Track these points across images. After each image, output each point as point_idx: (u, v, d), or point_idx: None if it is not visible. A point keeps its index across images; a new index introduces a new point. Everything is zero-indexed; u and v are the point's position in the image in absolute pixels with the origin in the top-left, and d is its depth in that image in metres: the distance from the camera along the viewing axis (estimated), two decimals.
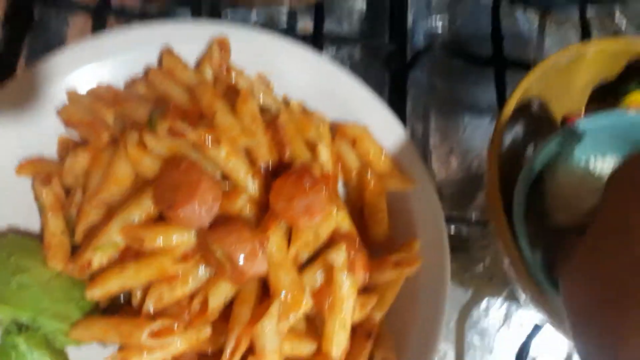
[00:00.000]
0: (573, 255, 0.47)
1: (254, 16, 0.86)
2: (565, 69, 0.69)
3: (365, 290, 0.60)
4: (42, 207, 0.59)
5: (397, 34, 0.85)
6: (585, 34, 0.92)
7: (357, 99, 0.68)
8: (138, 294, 0.55)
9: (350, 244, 0.58)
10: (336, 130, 0.67)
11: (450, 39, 0.91)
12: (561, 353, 0.78)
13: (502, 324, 0.78)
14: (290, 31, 0.84)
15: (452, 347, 0.75)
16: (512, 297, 0.79)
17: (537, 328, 0.73)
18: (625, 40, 0.72)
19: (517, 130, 0.72)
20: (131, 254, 0.55)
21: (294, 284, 0.55)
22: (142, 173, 0.57)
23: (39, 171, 0.60)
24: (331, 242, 0.59)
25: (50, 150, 0.63)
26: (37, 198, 0.60)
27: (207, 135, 0.55)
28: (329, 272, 0.56)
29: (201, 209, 0.52)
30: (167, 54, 0.64)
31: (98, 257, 0.54)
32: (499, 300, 0.79)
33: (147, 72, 0.65)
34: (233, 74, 0.65)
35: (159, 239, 0.54)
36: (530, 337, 0.73)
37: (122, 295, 0.58)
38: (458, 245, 0.76)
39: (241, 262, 0.51)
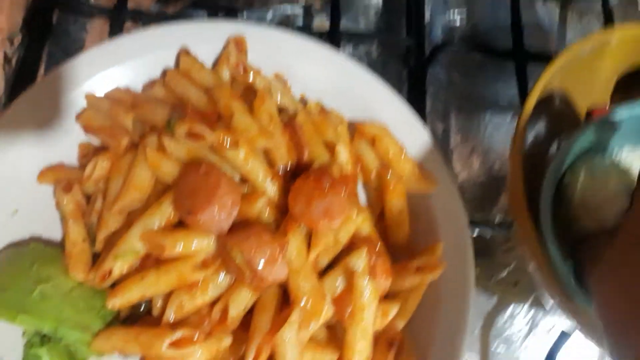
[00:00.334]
0: (603, 260, 0.45)
1: (269, 15, 0.85)
2: (588, 58, 0.66)
3: (386, 297, 0.59)
4: (63, 215, 0.59)
5: (415, 29, 0.83)
6: (609, 23, 0.89)
7: (376, 96, 0.67)
8: (159, 303, 0.55)
9: (371, 249, 0.57)
10: (355, 129, 0.66)
11: (469, 33, 0.89)
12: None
13: (528, 332, 0.75)
14: (306, 29, 0.83)
15: (477, 357, 0.73)
16: (538, 304, 0.77)
17: (564, 335, 0.71)
18: None
19: (540, 127, 0.69)
20: (151, 262, 0.55)
21: (314, 290, 0.54)
22: (162, 178, 0.56)
23: (60, 178, 0.60)
24: (351, 246, 0.58)
25: (71, 156, 0.63)
26: (58, 206, 0.60)
27: (225, 137, 0.54)
28: (350, 278, 0.55)
29: (220, 213, 0.52)
30: (184, 55, 0.64)
31: (118, 266, 0.54)
32: (525, 307, 0.76)
33: (164, 74, 0.64)
34: (250, 74, 0.64)
35: (179, 245, 0.53)
36: (557, 345, 0.70)
37: (142, 305, 0.58)
38: (481, 250, 0.74)
39: (261, 267, 0.50)
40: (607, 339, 0.41)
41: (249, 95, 0.62)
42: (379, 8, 0.88)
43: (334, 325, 0.57)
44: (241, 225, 0.54)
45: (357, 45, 0.84)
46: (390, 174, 0.64)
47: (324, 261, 0.57)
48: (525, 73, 0.81)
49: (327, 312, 0.53)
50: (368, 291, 0.53)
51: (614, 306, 0.41)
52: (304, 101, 0.68)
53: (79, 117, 0.62)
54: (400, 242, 0.63)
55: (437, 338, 0.59)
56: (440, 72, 0.85)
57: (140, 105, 0.61)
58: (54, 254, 0.58)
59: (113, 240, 0.56)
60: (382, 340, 0.57)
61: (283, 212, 0.57)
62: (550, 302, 0.60)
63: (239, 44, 0.65)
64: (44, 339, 0.54)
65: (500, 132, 0.84)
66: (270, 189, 0.57)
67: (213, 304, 0.55)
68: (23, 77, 0.73)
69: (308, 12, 0.85)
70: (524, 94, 0.79)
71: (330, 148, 0.62)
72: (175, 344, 0.51)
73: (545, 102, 0.65)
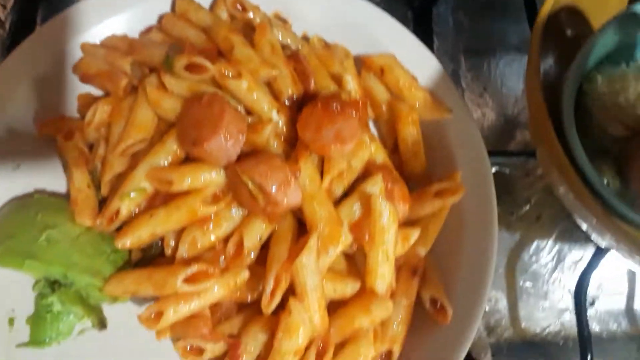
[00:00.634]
0: None
1: None
2: None
3: (407, 225, 0.56)
4: (66, 164, 0.58)
5: None
6: None
7: (382, 29, 0.65)
8: (171, 241, 0.53)
9: (386, 175, 0.55)
10: (361, 64, 0.64)
11: None
12: (621, 295, 0.73)
13: (555, 267, 0.73)
14: None
15: (504, 294, 0.70)
16: (563, 237, 0.74)
17: (593, 262, 0.67)
18: None
19: (552, 52, 0.66)
20: (160, 200, 0.53)
21: (330, 216, 0.51)
22: (164, 116, 0.54)
23: (61, 129, 0.58)
24: (366, 174, 0.55)
25: (71, 110, 0.61)
26: (60, 155, 0.58)
27: (226, 68, 0.52)
28: (367, 203, 0.52)
29: (227, 142, 0.49)
30: None
31: (126, 205, 0.52)
32: (549, 242, 0.74)
33: (160, 18, 0.62)
34: (249, 12, 0.61)
35: (187, 179, 0.51)
36: (585, 274, 0.67)
37: (153, 247, 0.56)
38: (500, 186, 0.71)
39: (274, 192, 0.48)
40: None
41: (249, 32, 0.60)
42: None
43: (354, 256, 0.55)
44: (250, 154, 0.51)
45: None
46: (402, 104, 0.61)
47: (339, 190, 0.55)
48: (534, 4, 0.78)
49: (345, 237, 0.51)
50: (386, 213, 0.51)
51: None
52: (306, 39, 0.66)
53: (75, 66, 0.60)
54: (417, 173, 0.61)
55: (463, 267, 0.56)
56: (446, 12, 0.82)
57: (138, 49, 0.59)
58: (59, 204, 0.56)
59: (119, 182, 0.54)
60: (406, 268, 0.54)
61: (292, 143, 0.55)
62: (585, 225, 0.57)
63: None
64: (54, 287, 0.52)
65: (512, 69, 0.81)
66: (277, 118, 0.54)
67: (227, 239, 0.52)
68: (17, 40, 0.70)
69: None
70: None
71: (337, 80, 0.59)
72: (190, 280, 0.49)
73: (557, 25, 0.62)
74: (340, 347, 0.51)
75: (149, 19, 0.64)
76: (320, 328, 0.50)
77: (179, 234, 0.52)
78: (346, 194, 0.55)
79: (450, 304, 0.54)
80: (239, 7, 0.62)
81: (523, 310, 0.70)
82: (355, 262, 0.55)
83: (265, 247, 0.53)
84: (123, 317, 0.56)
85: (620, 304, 0.73)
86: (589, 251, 0.72)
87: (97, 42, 0.62)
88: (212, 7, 0.64)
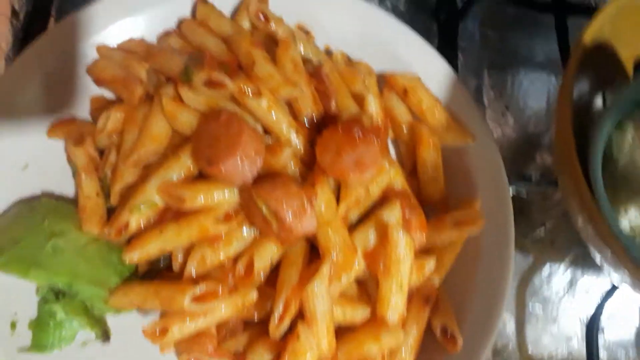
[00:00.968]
0: None
1: None
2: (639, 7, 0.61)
3: (422, 253, 0.55)
4: (75, 170, 0.56)
5: None
6: None
7: (406, 46, 0.63)
8: (179, 257, 0.52)
9: (405, 202, 0.53)
10: (384, 82, 0.62)
11: None
12: (631, 326, 0.72)
13: (566, 292, 0.72)
14: None
15: (512, 317, 0.69)
16: (576, 263, 0.73)
17: (609, 294, 0.66)
18: None
19: (583, 80, 0.64)
20: (170, 215, 0.51)
21: (344, 243, 0.50)
22: (180, 129, 0.53)
23: (71, 132, 0.57)
24: (383, 200, 0.54)
25: (83, 111, 0.60)
26: (70, 160, 0.57)
27: (246, 86, 0.50)
28: (383, 231, 0.51)
29: (244, 163, 0.48)
30: (201, 3, 0.60)
31: (135, 218, 0.51)
32: (562, 266, 0.73)
33: (180, 24, 0.60)
34: (272, 23, 0.59)
35: (199, 197, 0.50)
36: (601, 306, 0.66)
37: (161, 260, 0.55)
38: (517, 208, 0.70)
39: (289, 219, 0.46)
40: None
41: (271, 45, 0.58)
42: None
43: (366, 282, 0.53)
44: (266, 177, 0.50)
45: None
46: (424, 127, 0.60)
47: (355, 215, 0.53)
48: (566, 26, 0.76)
49: (358, 265, 0.50)
50: (403, 244, 0.50)
51: None
52: (328, 53, 0.64)
53: (90, 68, 0.59)
54: (435, 199, 0.59)
55: (476, 296, 0.56)
56: (473, 27, 0.80)
57: (155, 56, 0.57)
58: (66, 210, 0.55)
59: (129, 193, 0.52)
60: (418, 296, 0.53)
61: (309, 165, 0.54)
62: (598, 257, 0.56)
63: None
64: (58, 295, 0.51)
65: (535, 89, 0.79)
66: (296, 140, 0.53)
67: (236, 259, 0.51)
68: (31, 31, 0.69)
69: None
70: (564, 48, 0.74)
71: (359, 100, 0.58)
72: (198, 299, 0.48)
73: (589, 54, 0.60)
74: None
75: (167, 21, 0.62)
76: (327, 354, 0.49)
77: (188, 250, 0.51)
78: (362, 219, 0.54)
79: (461, 332, 0.53)
80: (261, 17, 0.60)
81: (531, 334, 0.69)
82: (366, 287, 0.54)
83: (275, 268, 0.52)
84: (127, 327, 0.55)
85: (630, 334, 0.72)
86: (602, 279, 0.71)
87: (113, 42, 0.60)
88: (234, 15, 0.62)
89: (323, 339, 0.49)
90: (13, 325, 0.53)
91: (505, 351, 0.69)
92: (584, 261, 0.73)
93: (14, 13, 0.69)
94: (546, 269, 0.72)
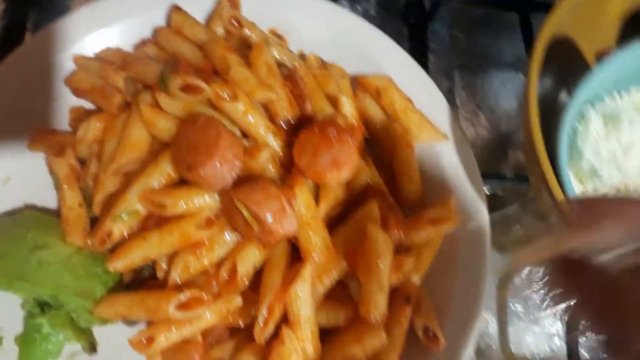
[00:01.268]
0: None
1: None
2: (594, 1, 0.63)
3: (401, 253, 0.56)
4: (57, 181, 0.56)
5: None
6: None
7: (378, 49, 0.64)
8: (163, 265, 0.52)
9: (382, 201, 0.55)
10: (357, 84, 0.63)
11: None
12: None
13: (548, 291, 0.73)
14: None
15: (494, 317, 0.70)
16: None
17: None
18: None
19: (547, 76, 0.66)
20: (153, 223, 0.52)
21: (325, 245, 0.51)
22: (158, 136, 0.54)
23: (52, 144, 0.57)
24: (361, 200, 0.55)
25: (63, 122, 0.60)
26: (51, 171, 0.57)
27: (222, 90, 0.51)
28: (362, 231, 0.52)
29: (223, 167, 0.49)
30: (175, 11, 0.61)
31: (118, 227, 0.51)
32: (542, 265, 0.74)
33: (155, 32, 0.61)
34: (245, 29, 0.61)
35: (180, 203, 0.50)
36: None
37: (146, 269, 0.55)
38: (493, 208, 0.72)
39: (270, 221, 0.47)
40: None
41: (245, 50, 0.59)
42: None
43: (346, 282, 0.54)
44: (245, 181, 0.51)
45: (355, 2, 0.81)
46: (398, 127, 0.61)
47: (334, 215, 0.54)
48: (530, 24, 0.78)
49: (340, 266, 0.51)
50: (381, 242, 0.51)
51: None
52: (302, 57, 0.65)
53: (67, 79, 0.59)
54: (412, 199, 0.61)
55: (455, 295, 0.57)
56: (442, 29, 0.82)
57: (132, 64, 0.58)
58: (49, 222, 0.55)
59: (111, 202, 0.53)
60: (399, 296, 0.54)
61: (287, 167, 0.55)
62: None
63: None
64: (44, 308, 0.51)
65: (506, 88, 0.81)
66: (273, 142, 0.54)
67: (220, 264, 0.52)
68: (7, 45, 0.69)
69: None
70: (529, 45, 0.76)
71: (333, 102, 0.59)
72: (182, 306, 0.49)
73: (551, 50, 0.62)
74: None
75: (143, 30, 0.62)
76: (312, 357, 0.50)
77: (172, 257, 0.52)
78: (341, 218, 0.55)
79: (442, 331, 0.54)
80: (234, 22, 0.61)
81: (513, 334, 0.70)
82: (347, 289, 0.54)
83: (258, 273, 0.53)
84: (113, 338, 0.54)
85: None
86: None
87: (90, 53, 0.61)
88: (208, 22, 0.63)
89: (307, 342, 0.50)
90: None
91: (488, 351, 0.69)
92: None
93: None
94: (526, 269, 0.72)
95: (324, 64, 0.64)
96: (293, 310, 0.49)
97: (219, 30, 0.61)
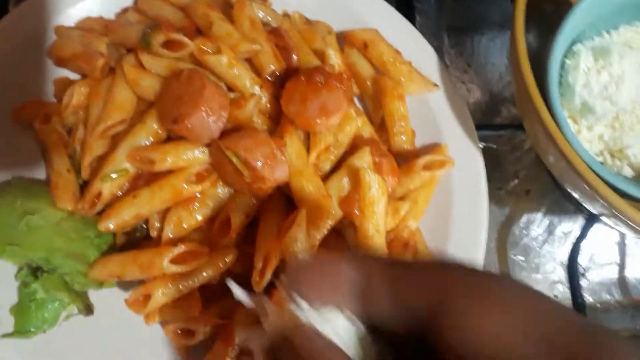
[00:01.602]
0: None
1: None
2: None
3: (396, 200, 0.56)
4: (44, 149, 0.56)
5: None
6: None
7: (364, 5, 0.64)
8: (156, 223, 0.51)
9: (374, 149, 0.54)
10: (344, 41, 0.63)
11: None
12: (613, 263, 0.73)
13: (546, 240, 0.73)
14: None
15: (496, 269, 0.70)
16: (553, 210, 0.74)
17: (582, 235, 0.67)
18: None
19: (533, 28, 0.66)
20: (143, 181, 0.51)
21: (319, 191, 0.50)
22: (144, 95, 0.53)
23: (37, 113, 0.56)
24: (353, 149, 0.54)
25: (48, 94, 0.60)
26: (38, 140, 0.57)
27: (205, 44, 0.51)
28: (355, 177, 0.51)
29: (209, 117, 0.48)
30: None
31: (107, 187, 0.51)
32: (539, 215, 0.74)
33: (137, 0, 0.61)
34: None
35: (169, 158, 0.50)
36: (576, 246, 0.67)
37: (138, 230, 0.54)
38: (489, 163, 0.72)
39: (260, 166, 0.47)
40: None
41: (228, 10, 0.58)
42: None
43: (344, 232, 0.54)
44: (234, 131, 0.50)
45: None
46: (387, 80, 0.61)
47: (327, 165, 0.54)
48: None
49: (334, 212, 0.50)
50: (375, 185, 0.50)
51: None
52: (286, 16, 0.65)
53: (49, 50, 0.59)
54: (405, 150, 0.60)
55: (454, 242, 0.56)
56: None
57: (114, 30, 0.57)
58: (38, 189, 0.54)
59: (99, 165, 0.52)
60: (397, 242, 0.53)
61: (276, 120, 0.54)
62: (576, 194, 0.56)
63: None
64: (36, 274, 0.50)
65: (495, 45, 0.80)
66: (260, 93, 0.53)
67: (214, 219, 0.51)
68: None
69: None
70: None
71: (320, 56, 0.58)
72: (177, 261, 0.48)
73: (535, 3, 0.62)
74: None
75: (124, 0, 0.62)
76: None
77: (164, 214, 0.51)
78: (334, 170, 0.54)
79: None
80: None
81: None
82: (343, 238, 0.54)
83: (254, 226, 0.52)
84: (110, 303, 0.54)
85: (612, 274, 0.72)
86: (579, 223, 0.72)
87: (72, 24, 0.60)
88: None
89: None
90: None
91: None
92: (560, 207, 0.74)
93: None
94: (524, 219, 0.73)
95: (309, 22, 0.64)
96: (290, 256, 0.48)
97: None
